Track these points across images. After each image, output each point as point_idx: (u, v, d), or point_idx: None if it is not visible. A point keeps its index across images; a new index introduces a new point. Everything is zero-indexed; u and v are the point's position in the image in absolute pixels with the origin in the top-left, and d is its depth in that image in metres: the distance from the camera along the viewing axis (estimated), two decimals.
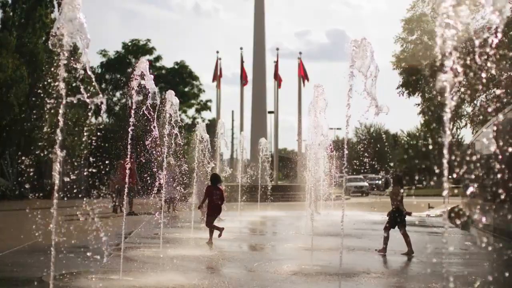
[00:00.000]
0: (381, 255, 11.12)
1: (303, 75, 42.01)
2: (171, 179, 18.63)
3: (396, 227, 11.36)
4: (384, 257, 10.97)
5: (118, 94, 49.13)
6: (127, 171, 9.52)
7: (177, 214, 20.70)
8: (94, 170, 6.36)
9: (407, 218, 11.59)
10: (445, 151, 3.54)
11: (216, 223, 12.90)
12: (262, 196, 25.23)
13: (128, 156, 9.32)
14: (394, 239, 11.40)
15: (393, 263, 10.54)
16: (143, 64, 8.96)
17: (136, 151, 16.84)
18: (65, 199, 7.80)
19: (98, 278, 8.01)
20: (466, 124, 38.29)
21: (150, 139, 10.00)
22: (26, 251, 10.47)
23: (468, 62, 3.51)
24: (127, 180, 9.54)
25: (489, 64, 3.54)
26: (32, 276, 8.06)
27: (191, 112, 53.98)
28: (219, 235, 12.57)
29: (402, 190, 11.47)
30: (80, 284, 7.68)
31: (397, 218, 11.29)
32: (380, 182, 49.42)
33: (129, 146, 9.13)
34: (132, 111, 8.57)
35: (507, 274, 8.36)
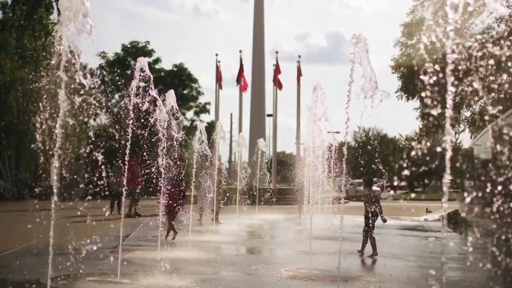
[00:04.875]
0: (374, 259, 11.10)
1: (298, 79, 41.99)
2: (171, 181, 18.54)
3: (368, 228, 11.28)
4: (382, 261, 10.95)
5: (117, 96, 49.12)
6: (126, 173, 9.49)
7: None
8: (94, 172, 6.31)
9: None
10: (446, 155, 3.54)
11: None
12: (260, 199, 25.17)
13: (127, 158, 9.24)
14: (393, 243, 11.40)
15: (391, 268, 10.52)
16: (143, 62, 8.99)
17: (137, 153, 16.76)
18: (64, 201, 7.79)
19: (96, 281, 8.00)
20: (464, 129, 38.35)
21: (151, 140, 9.96)
22: (24, 253, 10.44)
23: (467, 65, 3.51)
24: (125, 182, 9.51)
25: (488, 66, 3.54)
26: (30, 279, 8.04)
27: (190, 114, 53.94)
28: (173, 238, 13.27)
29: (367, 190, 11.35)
30: (78, 286, 7.67)
31: (370, 220, 11.22)
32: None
33: (128, 148, 9.07)
34: (131, 112, 8.55)
35: (504, 280, 8.35)
